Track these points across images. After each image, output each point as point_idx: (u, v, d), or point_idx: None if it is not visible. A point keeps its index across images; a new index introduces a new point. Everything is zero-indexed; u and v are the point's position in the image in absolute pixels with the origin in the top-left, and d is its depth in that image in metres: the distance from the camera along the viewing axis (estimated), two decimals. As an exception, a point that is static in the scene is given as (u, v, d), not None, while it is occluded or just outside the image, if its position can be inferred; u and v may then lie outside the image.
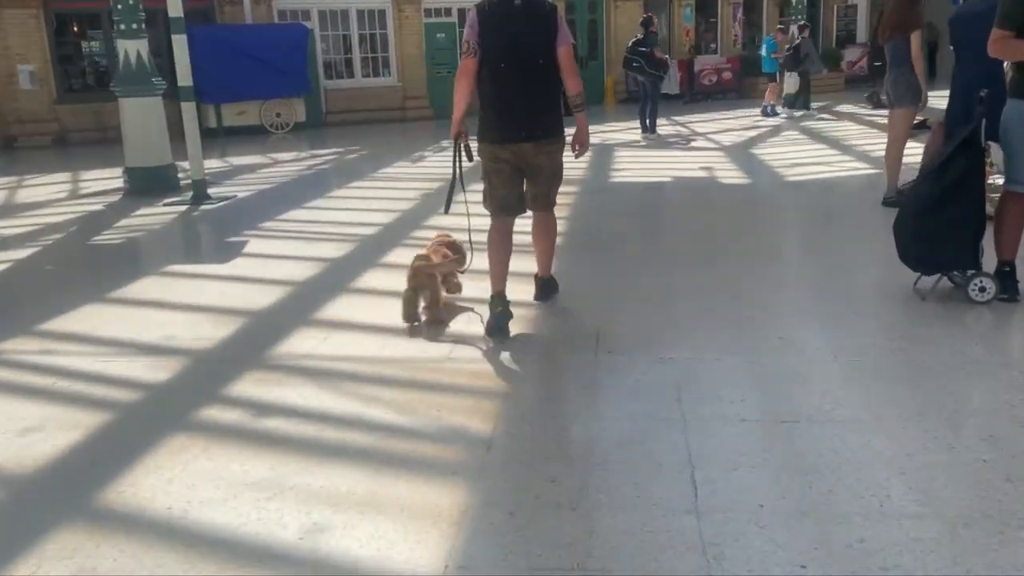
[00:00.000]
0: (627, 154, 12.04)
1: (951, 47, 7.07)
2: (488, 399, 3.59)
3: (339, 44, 19.77)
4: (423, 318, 4.59)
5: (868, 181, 9.05)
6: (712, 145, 12.91)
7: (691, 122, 16.34)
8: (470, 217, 4.57)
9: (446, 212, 4.46)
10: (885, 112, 16.34)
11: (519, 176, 4.45)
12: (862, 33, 26.82)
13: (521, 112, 4.26)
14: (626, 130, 14.51)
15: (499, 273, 4.44)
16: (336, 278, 5.74)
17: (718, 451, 3.04)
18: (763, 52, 17.29)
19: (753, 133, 14.22)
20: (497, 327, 4.35)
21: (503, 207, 4.45)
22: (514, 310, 4.68)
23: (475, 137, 4.44)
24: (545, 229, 4.70)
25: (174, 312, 5.06)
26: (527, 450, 3.10)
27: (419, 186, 9.85)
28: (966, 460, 2.91)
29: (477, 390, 3.69)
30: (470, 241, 4.84)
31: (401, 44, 19.81)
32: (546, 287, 4.92)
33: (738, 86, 22.88)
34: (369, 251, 6.55)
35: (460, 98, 4.29)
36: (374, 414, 3.45)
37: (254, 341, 4.49)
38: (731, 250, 6.25)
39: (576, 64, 4.46)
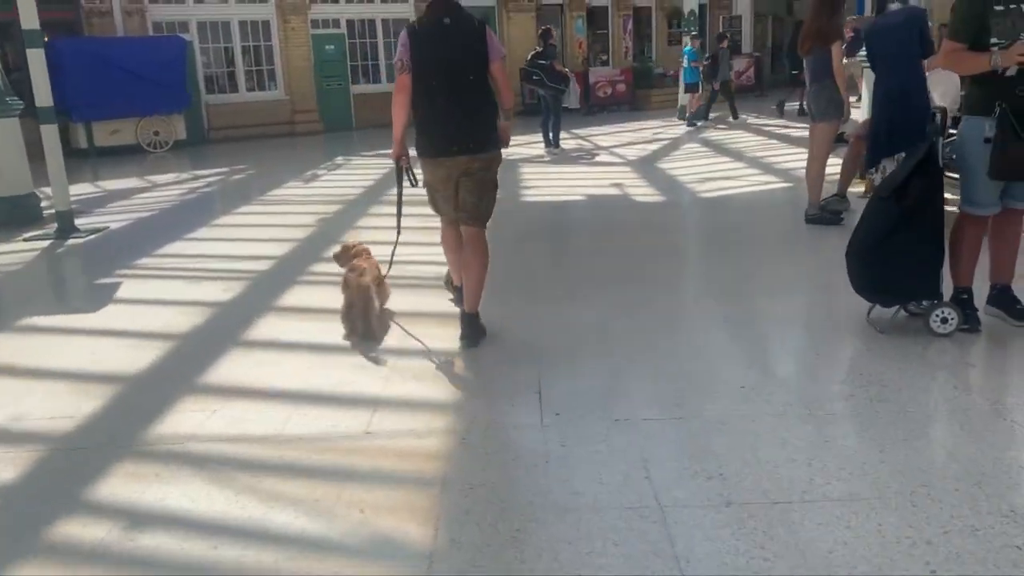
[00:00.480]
0: (533, 170, 11.57)
1: (864, 61, 6.88)
2: (422, 489, 2.97)
3: (221, 57, 18.72)
4: (360, 330, 4.58)
5: (783, 196, 8.83)
6: (618, 160, 12.59)
7: (592, 135, 16.06)
8: (396, 245, 4.87)
9: (398, 234, 4.78)
10: (782, 121, 16.66)
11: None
12: (747, 44, 27.39)
13: (455, 127, 4.27)
14: (528, 144, 14.02)
15: (459, 268, 4.68)
16: (225, 328, 4.99)
17: (710, 551, 2.51)
18: (684, 63, 17.30)
19: (656, 146, 14.00)
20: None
21: (447, 218, 4.61)
22: (438, 364, 4.12)
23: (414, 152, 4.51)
24: (476, 254, 4.44)
25: (27, 381, 4.23)
26: (478, 565, 2.49)
27: (314, 210, 9.09)
28: (996, 547, 2.47)
29: (407, 477, 3.06)
30: (390, 264, 4.94)
31: (288, 56, 18.90)
32: (473, 326, 4.44)
33: (632, 98, 22.94)
34: (262, 291, 5.80)
35: (398, 118, 4.35)
36: (281, 521, 2.77)
37: (126, 418, 3.72)
38: (661, 279, 5.82)
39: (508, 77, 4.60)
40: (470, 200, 4.37)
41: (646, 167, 11.50)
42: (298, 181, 11.80)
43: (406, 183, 4.59)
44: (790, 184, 9.38)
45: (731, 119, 17.23)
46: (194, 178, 12.70)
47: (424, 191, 4.58)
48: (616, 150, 13.77)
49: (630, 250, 6.67)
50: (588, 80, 21.80)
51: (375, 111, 19.84)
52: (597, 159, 12.90)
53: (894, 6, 6.72)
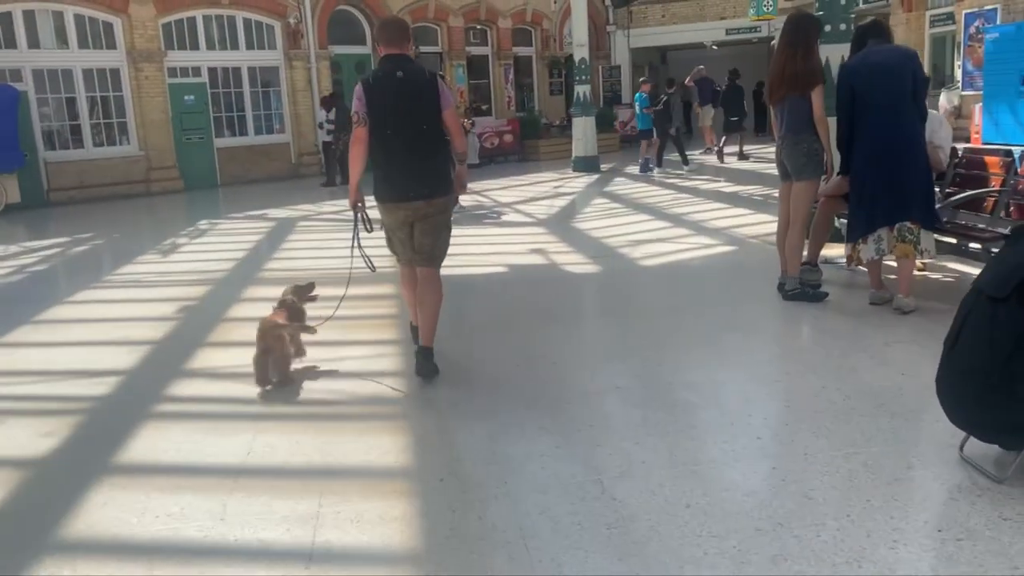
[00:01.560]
0: (435, 234, 10.09)
1: (836, 107, 5.77)
2: None
3: (63, 109, 16.50)
4: (274, 380, 4.53)
5: (732, 262, 7.72)
6: (527, 219, 11.29)
7: (488, 190, 14.81)
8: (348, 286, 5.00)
9: (373, 270, 4.91)
10: (683, 172, 15.94)
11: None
12: (627, 93, 27.02)
13: (410, 174, 4.47)
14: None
15: (415, 305, 4.73)
16: (39, 508, 3.28)
17: None
18: (636, 109, 16.77)
19: (562, 202, 12.84)
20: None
21: (404, 259, 4.74)
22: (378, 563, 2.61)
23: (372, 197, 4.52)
24: (429, 291, 4.63)
25: None
26: None
27: (175, 294, 7.34)
28: None
29: None
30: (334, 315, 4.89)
31: (141, 107, 16.90)
32: (428, 362, 4.56)
33: (520, 149, 22.10)
34: (99, 432, 4.08)
35: (355, 166, 4.56)
36: None
37: None
38: (650, 399, 4.46)
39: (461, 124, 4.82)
40: (426, 242, 4.57)
41: (562, 227, 10.26)
42: (155, 253, 9.93)
43: (362, 229, 4.71)
44: (733, 247, 8.31)
45: (647, 169, 16.44)
46: (25, 251, 10.59)
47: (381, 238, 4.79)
48: (520, 207, 12.53)
49: (590, 347, 5.30)
50: (473, 131, 20.71)
51: (242, 166, 18.08)
52: (504, 218, 11.59)
53: (876, 43, 5.67)
